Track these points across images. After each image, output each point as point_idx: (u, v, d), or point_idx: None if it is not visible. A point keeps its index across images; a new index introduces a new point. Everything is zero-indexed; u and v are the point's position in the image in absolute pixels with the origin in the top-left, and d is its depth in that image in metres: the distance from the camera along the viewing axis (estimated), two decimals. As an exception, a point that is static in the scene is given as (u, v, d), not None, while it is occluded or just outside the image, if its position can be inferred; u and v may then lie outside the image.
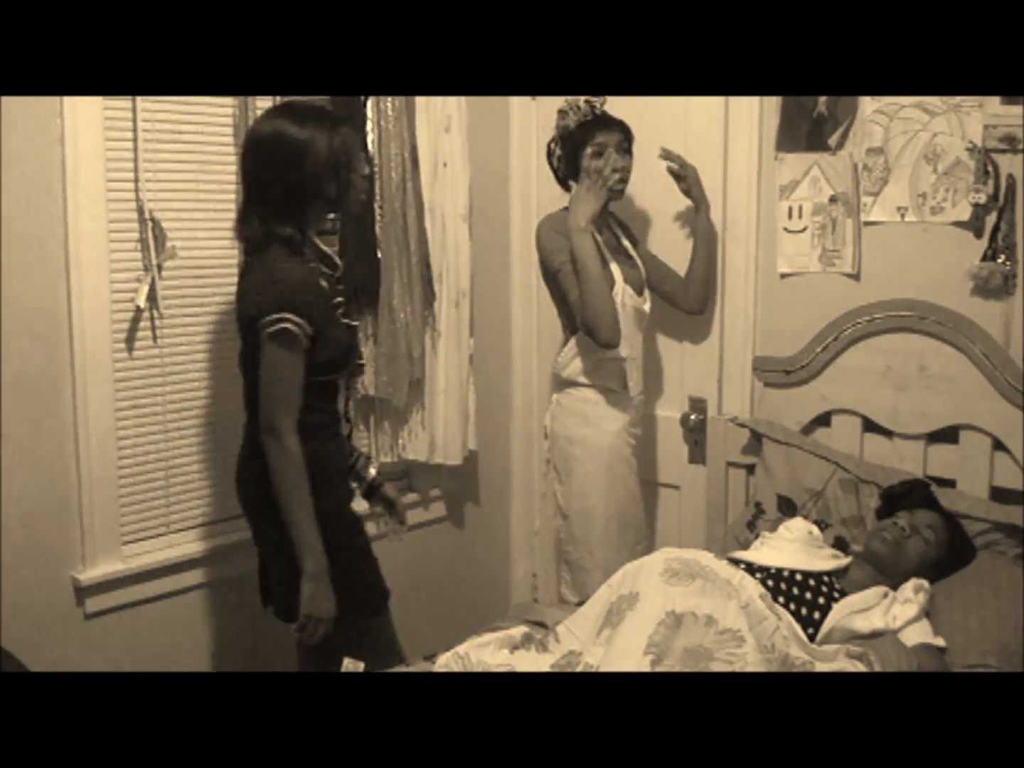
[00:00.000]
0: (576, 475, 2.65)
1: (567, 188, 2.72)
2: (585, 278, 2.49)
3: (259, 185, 2.09)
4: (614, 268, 2.61)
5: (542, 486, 3.20)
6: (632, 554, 2.55)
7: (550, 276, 2.64)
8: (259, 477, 2.11)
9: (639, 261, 2.74)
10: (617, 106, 2.77)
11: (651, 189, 2.86)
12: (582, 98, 2.61)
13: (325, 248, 2.20)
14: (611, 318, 2.50)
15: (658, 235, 2.91)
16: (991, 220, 2.34)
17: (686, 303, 2.78)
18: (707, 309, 2.79)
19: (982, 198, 2.34)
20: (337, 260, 2.22)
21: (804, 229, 2.64)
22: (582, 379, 2.65)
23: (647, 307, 2.70)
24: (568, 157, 2.65)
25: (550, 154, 2.73)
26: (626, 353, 2.62)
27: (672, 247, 2.84)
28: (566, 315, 2.66)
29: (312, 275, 2.09)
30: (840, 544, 2.37)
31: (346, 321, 2.21)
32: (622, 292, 2.60)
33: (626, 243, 2.76)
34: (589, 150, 2.58)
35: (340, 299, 2.20)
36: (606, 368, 2.63)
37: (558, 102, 2.86)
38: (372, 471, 2.43)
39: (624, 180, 2.62)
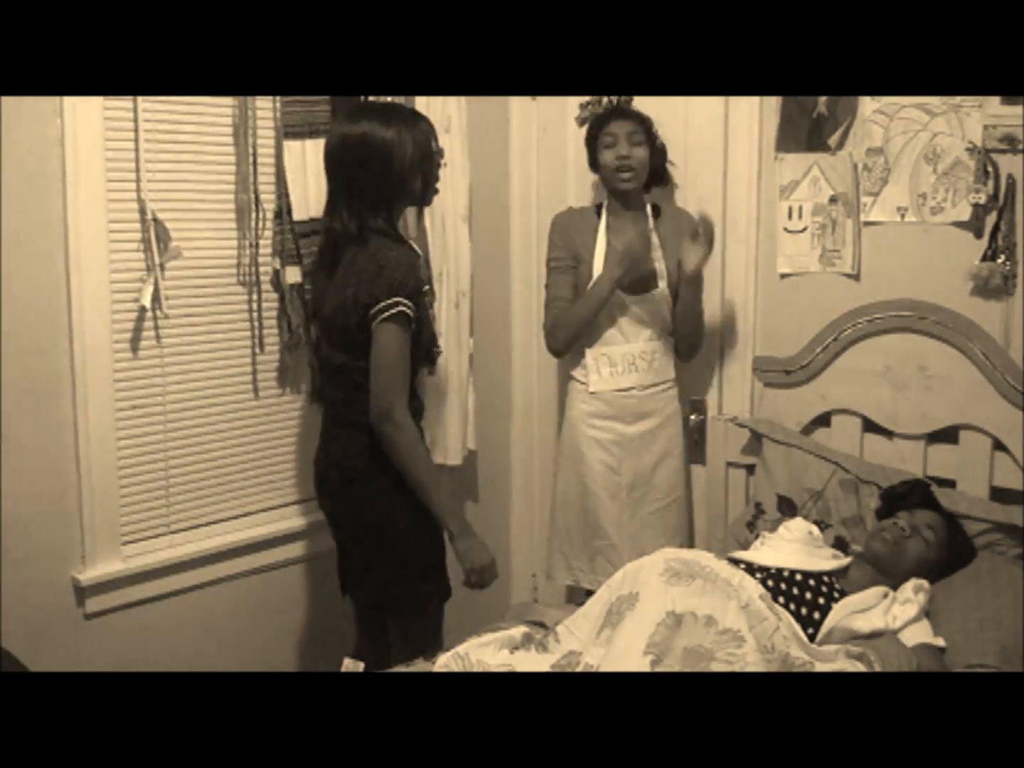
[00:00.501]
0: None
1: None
2: (577, 308, 2.64)
3: (350, 182, 2.18)
4: (597, 259, 2.66)
5: (542, 486, 3.21)
6: (588, 552, 2.74)
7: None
8: (350, 461, 2.23)
9: (660, 263, 2.68)
10: (617, 106, 2.77)
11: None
12: (604, 96, 2.72)
13: (408, 239, 2.30)
14: (567, 341, 2.68)
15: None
16: (991, 220, 2.34)
17: (676, 350, 2.77)
18: (694, 357, 2.79)
19: (982, 198, 2.34)
20: (418, 249, 2.31)
21: (804, 229, 2.64)
22: (570, 371, 2.79)
23: (643, 306, 2.66)
24: (588, 147, 2.72)
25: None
26: (604, 350, 2.68)
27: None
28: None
29: (416, 261, 2.21)
30: (840, 544, 2.37)
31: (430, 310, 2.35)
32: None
33: (654, 238, 2.69)
34: (603, 140, 2.63)
35: (427, 286, 2.30)
36: (582, 361, 2.73)
37: (558, 102, 2.87)
38: None
39: (631, 169, 2.62)
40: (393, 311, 2.10)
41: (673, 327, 2.72)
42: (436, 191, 2.32)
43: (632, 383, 2.70)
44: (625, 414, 2.71)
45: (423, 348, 2.25)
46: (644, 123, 2.65)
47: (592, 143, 2.68)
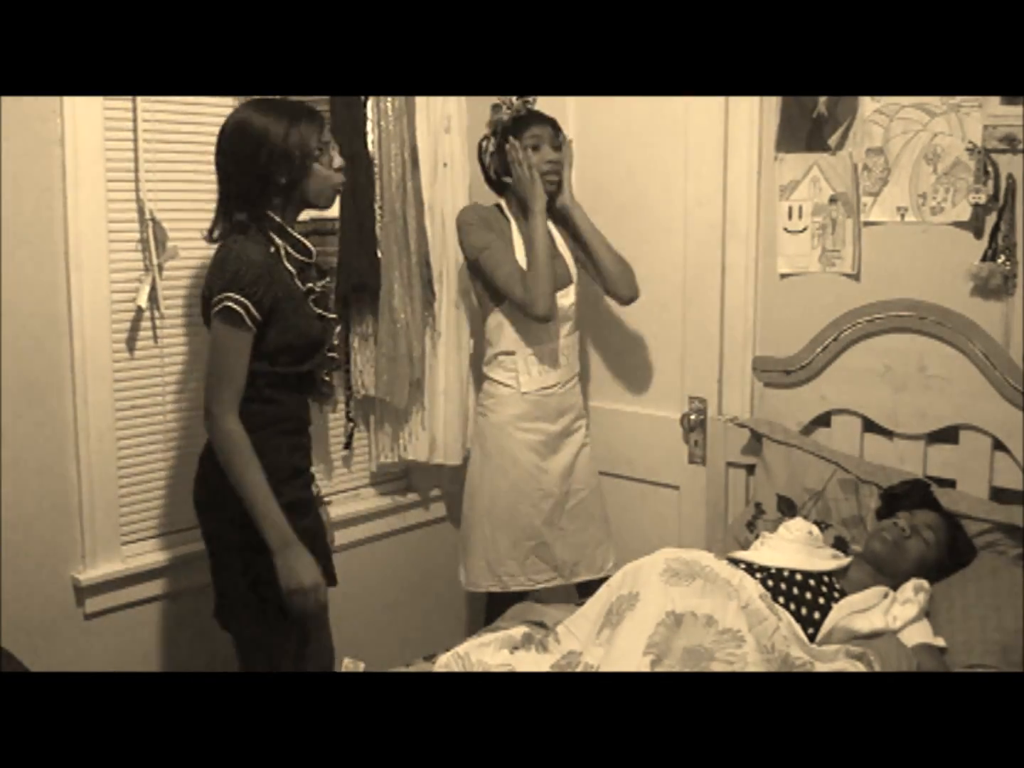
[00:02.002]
0: (470, 461, 2.84)
1: (496, 187, 2.77)
2: (534, 256, 2.59)
3: (222, 174, 2.12)
4: (520, 258, 2.67)
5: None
6: (518, 554, 2.72)
7: (471, 264, 2.72)
8: (207, 474, 2.11)
9: (567, 256, 2.76)
10: (617, 105, 2.77)
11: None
12: (514, 96, 2.68)
13: (297, 235, 2.15)
14: (549, 295, 2.61)
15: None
16: (991, 220, 2.34)
17: (614, 294, 2.79)
18: (636, 294, 2.77)
19: (982, 198, 2.34)
20: (310, 246, 2.16)
21: (804, 229, 2.64)
22: (484, 369, 2.79)
23: (565, 301, 2.73)
24: (501, 150, 2.69)
25: (482, 151, 2.75)
26: (522, 347, 2.69)
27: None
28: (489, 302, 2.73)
29: (266, 257, 2.06)
30: (840, 544, 2.37)
31: (319, 311, 2.18)
32: None
33: (557, 236, 2.77)
34: (525, 143, 2.63)
35: (313, 287, 2.17)
36: (499, 359, 2.74)
37: (558, 102, 2.86)
38: (313, 489, 2.33)
39: (557, 174, 2.67)
40: (220, 306, 2.00)
41: (596, 270, 2.76)
42: (334, 190, 2.17)
43: (556, 379, 2.74)
44: (549, 412, 2.75)
45: (285, 352, 2.09)
46: (559, 130, 2.69)
47: (506, 147, 2.66)
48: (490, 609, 2.78)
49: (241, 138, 2.07)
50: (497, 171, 2.73)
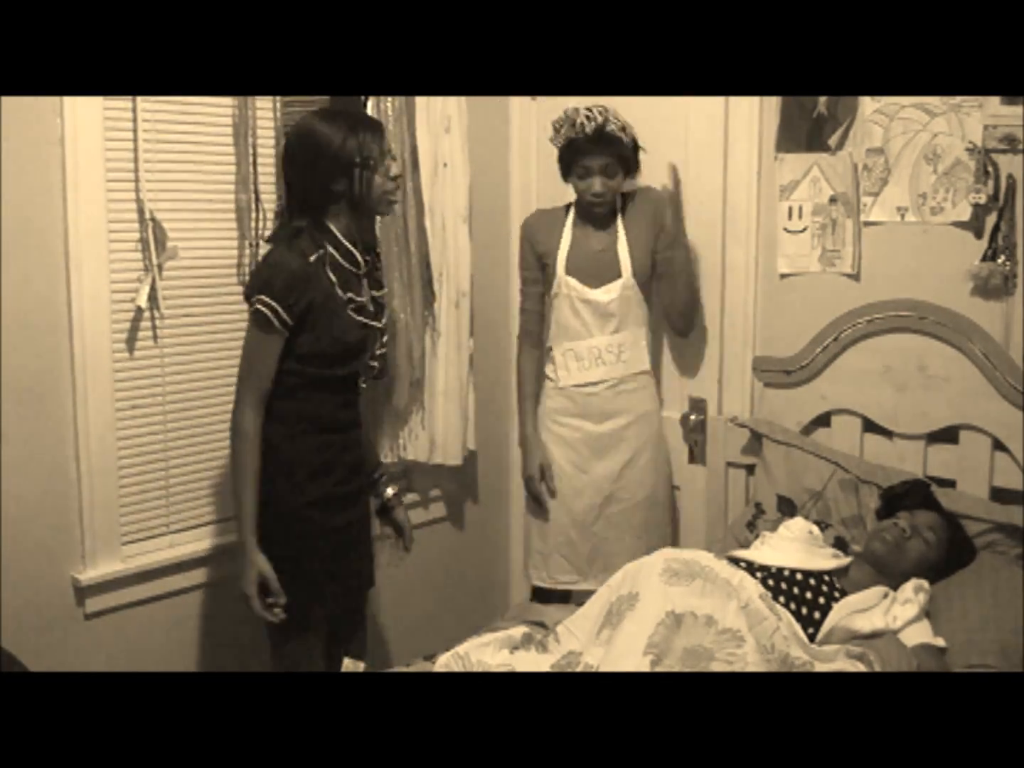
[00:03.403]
0: None
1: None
2: (520, 395, 2.87)
3: (287, 181, 2.19)
4: (560, 254, 2.70)
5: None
6: (548, 546, 2.75)
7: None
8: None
9: (624, 251, 2.70)
10: (617, 105, 2.76)
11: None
12: (582, 110, 2.58)
13: (348, 245, 2.17)
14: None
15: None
16: (991, 220, 2.34)
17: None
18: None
19: (982, 198, 2.34)
20: (358, 256, 2.19)
21: (804, 229, 2.64)
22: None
23: (604, 298, 2.69)
24: (562, 167, 2.70)
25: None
26: (569, 345, 2.72)
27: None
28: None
29: (303, 264, 2.10)
30: (840, 544, 2.37)
31: (362, 319, 2.20)
32: (563, 283, 2.70)
33: (621, 230, 2.72)
34: (576, 171, 2.64)
35: (354, 296, 2.18)
36: (549, 356, 2.79)
37: (558, 102, 2.86)
38: (389, 491, 2.43)
39: (605, 203, 2.67)
40: (251, 309, 2.10)
41: (666, 300, 2.75)
42: (390, 201, 2.22)
43: (600, 376, 2.71)
44: (592, 412, 2.72)
45: (318, 357, 2.14)
46: (618, 151, 2.59)
47: (566, 167, 2.67)
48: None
49: (302, 146, 2.14)
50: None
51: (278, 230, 2.20)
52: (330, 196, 2.13)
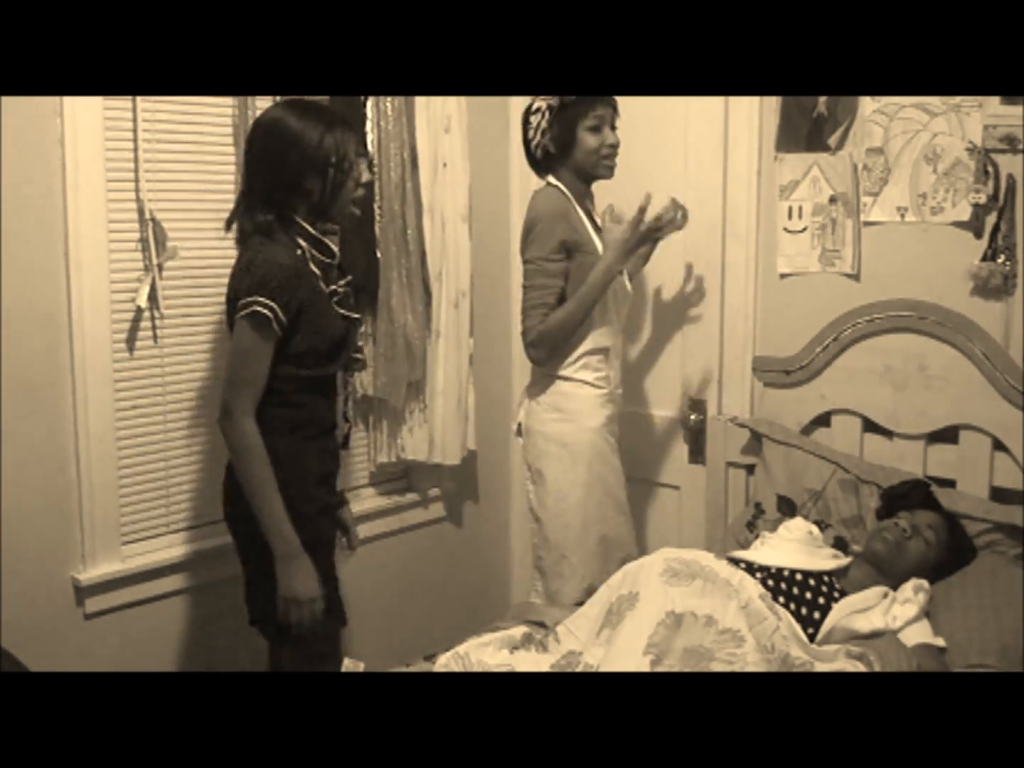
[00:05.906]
0: (551, 474, 2.53)
1: (539, 168, 2.57)
2: (578, 304, 2.43)
3: (250, 173, 2.08)
4: (594, 241, 2.53)
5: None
6: (612, 567, 2.37)
7: (524, 256, 2.52)
8: (235, 484, 2.07)
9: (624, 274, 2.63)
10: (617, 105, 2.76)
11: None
12: None
13: (321, 237, 2.11)
14: (558, 344, 2.46)
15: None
16: (991, 220, 2.35)
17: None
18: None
19: (982, 198, 2.34)
20: (334, 248, 2.13)
21: (804, 229, 2.65)
22: (560, 372, 2.52)
23: (630, 287, 2.63)
24: (564, 128, 2.47)
25: (529, 126, 2.52)
26: (609, 343, 2.55)
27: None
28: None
29: (293, 261, 2.04)
30: (840, 544, 2.37)
31: (343, 312, 2.15)
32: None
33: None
34: (588, 123, 2.45)
35: (336, 288, 2.14)
36: (584, 360, 2.52)
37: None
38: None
39: (616, 155, 2.53)
40: (247, 309, 1.97)
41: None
42: (353, 209, 2.14)
43: (619, 376, 2.64)
44: (615, 417, 2.63)
45: (312, 355, 2.06)
46: (617, 111, 2.52)
47: (572, 125, 2.46)
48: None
49: (272, 138, 2.04)
50: (546, 147, 2.49)
51: (245, 225, 2.07)
52: (297, 193, 2.05)
